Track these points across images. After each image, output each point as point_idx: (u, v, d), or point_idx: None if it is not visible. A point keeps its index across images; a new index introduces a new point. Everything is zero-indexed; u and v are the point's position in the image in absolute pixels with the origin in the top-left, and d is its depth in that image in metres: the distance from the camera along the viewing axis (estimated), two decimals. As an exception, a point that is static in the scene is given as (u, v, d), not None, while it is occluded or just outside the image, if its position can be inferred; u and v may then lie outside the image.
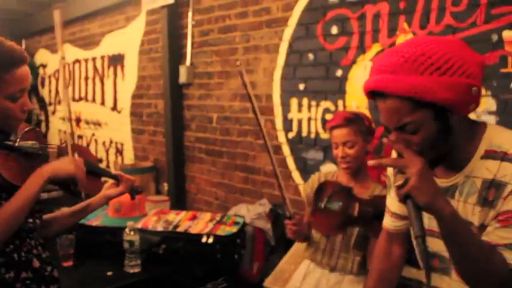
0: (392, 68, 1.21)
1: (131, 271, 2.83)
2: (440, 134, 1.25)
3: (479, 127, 1.32)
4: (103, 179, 1.86)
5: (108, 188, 1.85)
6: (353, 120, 2.43)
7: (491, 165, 1.24)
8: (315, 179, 2.63)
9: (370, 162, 1.29)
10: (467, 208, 1.30)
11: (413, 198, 1.19)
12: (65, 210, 1.88)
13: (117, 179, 1.83)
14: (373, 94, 1.29)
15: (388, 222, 1.67)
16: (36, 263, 1.65)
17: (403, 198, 1.21)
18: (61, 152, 1.72)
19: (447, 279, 1.45)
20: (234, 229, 3.03)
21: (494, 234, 1.23)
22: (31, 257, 1.64)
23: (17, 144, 1.58)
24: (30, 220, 1.61)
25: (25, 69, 1.54)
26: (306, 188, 2.68)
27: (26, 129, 1.65)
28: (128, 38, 5.35)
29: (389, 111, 1.25)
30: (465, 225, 1.23)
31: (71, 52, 6.55)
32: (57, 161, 1.62)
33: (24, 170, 1.56)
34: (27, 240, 1.63)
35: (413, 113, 1.21)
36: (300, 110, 3.42)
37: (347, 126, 2.40)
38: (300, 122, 3.43)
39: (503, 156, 1.23)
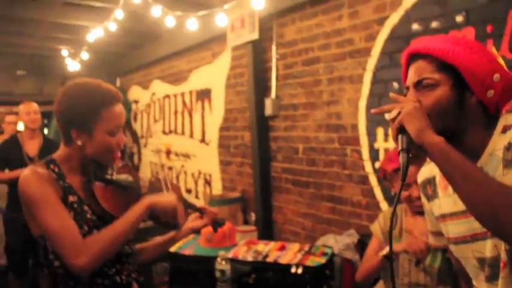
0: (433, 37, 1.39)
1: (223, 300, 2.91)
2: (453, 105, 1.31)
3: (496, 117, 1.35)
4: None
5: (193, 220, 1.94)
6: (416, 155, 2.38)
7: (509, 135, 1.28)
8: (385, 215, 2.62)
9: (373, 110, 1.42)
10: None
11: (404, 131, 1.27)
12: (155, 240, 2.00)
13: (201, 212, 1.93)
14: (410, 60, 1.42)
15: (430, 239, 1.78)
16: (135, 286, 1.79)
17: (397, 132, 1.29)
18: (152, 186, 1.86)
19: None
20: (323, 260, 3.02)
21: None
22: (131, 281, 1.77)
23: (114, 177, 1.75)
24: (127, 246, 1.77)
25: (120, 107, 1.73)
26: (375, 226, 2.65)
27: (120, 164, 1.81)
28: (214, 73, 5.57)
29: (416, 69, 1.37)
30: (456, 153, 1.24)
31: (161, 88, 6.91)
32: (159, 194, 1.75)
33: (120, 202, 1.71)
34: (126, 264, 1.77)
35: (435, 73, 1.33)
36: (386, 140, 3.40)
37: (414, 163, 2.34)
38: (386, 151, 3.41)
39: None
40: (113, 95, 1.70)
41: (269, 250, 3.19)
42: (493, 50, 2.72)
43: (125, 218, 1.63)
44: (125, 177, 1.79)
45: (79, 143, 1.66)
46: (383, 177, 2.55)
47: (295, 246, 3.25)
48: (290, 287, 2.94)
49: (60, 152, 1.73)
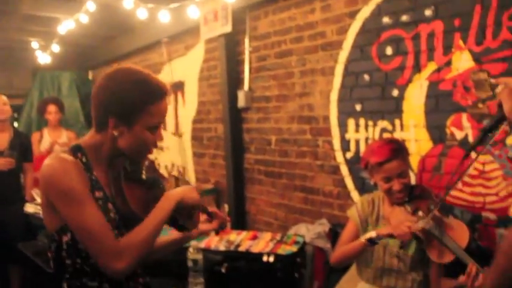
0: None
1: (195, 289, 2.93)
2: None
3: None
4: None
5: (202, 223, 1.85)
6: (399, 149, 2.43)
7: None
8: (363, 201, 2.66)
9: (493, 81, 1.46)
10: None
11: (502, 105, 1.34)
12: (163, 239, 1.89)
13: (211, 216, 1.85)
14: None
15: None
16: None
17: (498, 105, 1.38)
18: (177, 185, 1.79)
19: None
20: (295, 248, 3.07)
21: None
22: (137, 286, 1.70)
23: (143, 177, 1.68)
24: None
25: (167, 103, 1.62)
26: (352, 211, 2.68)
27: (146, 162, 1.73)
28: (187, 66, 5.57)
29: None
30: None
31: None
32: (183, 188, 1.65)
33: (146, 203, 1.62)
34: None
35: None
36: (357, 130, 3.46)
37: (397, 157, 2.39)
38: (357, 142, 3.47)
39: None
40: (163, 90, 1.59)
41: (241, 240, 3.23)
42: (460, 43, 2.79)
43: (155, 216, 1.54)
44: (152, 176, 1.72)
45: (115, 133, 1.55)
46: (364, 167, 2.57)
47: (267, 235, 3.29)
48: (262, 275, 2.99)
49: (89, 138, 1.62)
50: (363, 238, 2.39)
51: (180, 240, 1.89)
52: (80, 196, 1.46)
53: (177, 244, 1.91)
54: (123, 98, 1.52)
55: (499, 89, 1.36)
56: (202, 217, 1.85)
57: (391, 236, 2.32)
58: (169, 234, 1.90)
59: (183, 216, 1.69)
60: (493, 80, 1.45)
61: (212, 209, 1.88)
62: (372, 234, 2.36)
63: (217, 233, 1.94)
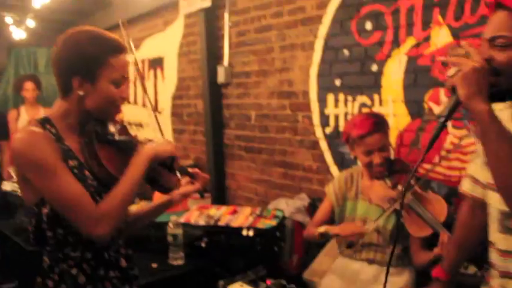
0: None
1: (175, 263, 2.93)
2: None
3: None
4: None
5: (184, 185, 1.84)
6: (380, 122, 2.45)
7: None
8: (341, 178, 2.68)
9: (441, 59, 1.35)
10: None
11: (455, 92, 1.26)
12: (147, 206, 1.92)
13: (193, 177, 1.84)
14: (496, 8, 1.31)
15: (467, 187, 1.70)
16: (124, 262, 1.71)
17: (450, 89, 1.29)
18: None
19: None
20: (274, 222, 3.09)
21: None
22: (119, 257, 1.70)
23: (116, 138, 1.66)
24: None
25: (126, 57, 1.64)
26: (329, 187, 2.71)
27: (118, 125, 1.71)
28: (166, 41, 5.49)
29: (494, 23, 1.29)
30: (501, 125, 1.23)
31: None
32: (156, 142, 1.66)
33: (122, 164, 1.60)
34: (115, 239, 1.67)
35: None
36: (336, 106, 3.47)
37: (379, 131, 2.41)
38: (336, 117, 3.48)
39: None
40: (121, 43, 1.62)
41: (221, 214, 3.23)
42: (439, 18, 2.80)
43: (130, 174, 1.55)
44: (126, 138, 1.69)
45: (80, 92, 1.55)
46: (345, 140, 2.58)
47: (247, 210, 3.30)
48: (241, 249, 3.00)
49: (56, 108, 1.63)
50: (318, 231, 2.47)
51: (162, 206, 1.89)
52: (52, 166, 1.47)
53: (160, 211, 1.91)
54: (83, 54, 1.55)
55: (451, 72, 1.27)
56: (185, 179, 1.84)
57: (337, 235, 2.38)
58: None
59: (162, 175, 1.69)
60: (442, 59, 1.37)
61: (193, 170, 1.87)
62: (322, 229, 2.43)
63: (202, 196, 1.93)
